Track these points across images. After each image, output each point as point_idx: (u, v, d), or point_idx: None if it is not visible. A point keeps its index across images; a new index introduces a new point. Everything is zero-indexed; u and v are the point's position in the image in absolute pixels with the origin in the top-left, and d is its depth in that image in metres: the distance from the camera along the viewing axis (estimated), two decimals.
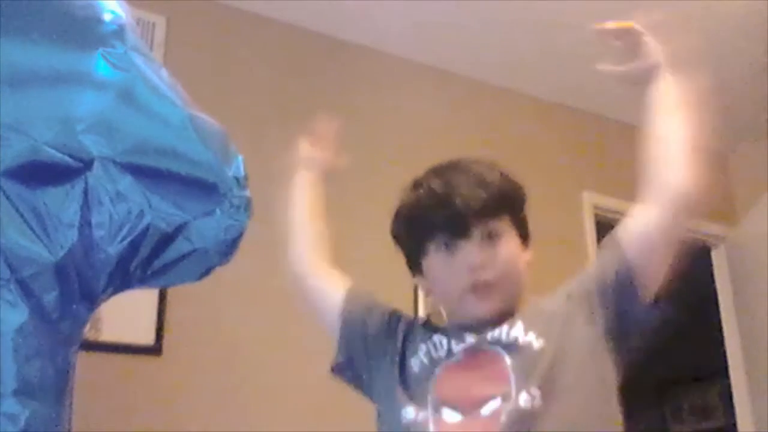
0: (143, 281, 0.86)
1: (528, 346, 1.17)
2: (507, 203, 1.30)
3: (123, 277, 0.84)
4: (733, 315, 3.86)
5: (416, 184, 1.33)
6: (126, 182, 0.80)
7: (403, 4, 3.08)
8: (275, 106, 3.02)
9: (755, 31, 3.25)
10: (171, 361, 2.54)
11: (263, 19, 3.10)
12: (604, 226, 3.63)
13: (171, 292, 2.57)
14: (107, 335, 2.40)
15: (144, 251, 0.83)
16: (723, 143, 4.09)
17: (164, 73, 0.87)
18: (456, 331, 1.27)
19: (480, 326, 1.24)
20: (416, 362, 1.27)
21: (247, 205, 0.90)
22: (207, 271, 0.91)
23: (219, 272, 2.96)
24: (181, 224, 0.84)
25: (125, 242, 0.81)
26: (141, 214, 0.81)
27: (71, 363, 0.80)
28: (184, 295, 2.59)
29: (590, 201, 3.58)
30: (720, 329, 3.88)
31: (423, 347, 1.28)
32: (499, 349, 1.19)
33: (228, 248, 0.90)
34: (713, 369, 4.34)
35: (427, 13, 3.13)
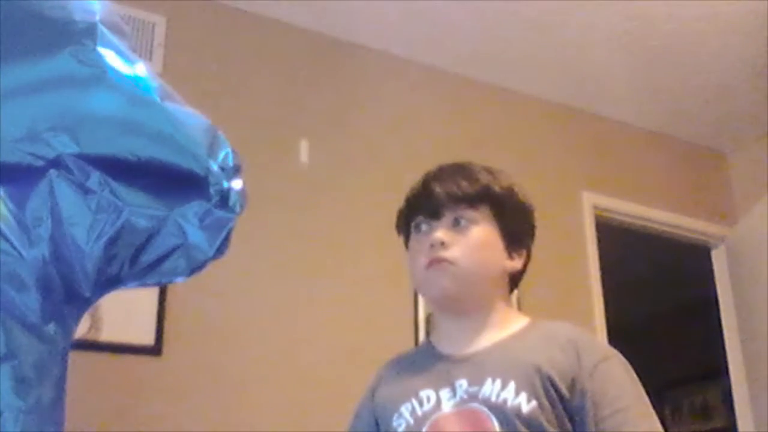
0: (132, 279, 0.84)
1: (516, 410, 1.14)
2: (489, 199, 1.31)
3: (108, 276, 0.81)
4: (733, 315, 3.85)
5: (426, 174, 1.38)
6: (95, 178, 0.78)
7: (402, 4, 3.08)
8: (275, 106, 3.02)
9: (755, 32, 3.26)
10: (171, 361, 2.54)
11: (263, 19, 3.10)
12: (604, 226, 3.65)
13: (171, 292, 2.57)
14: (107, 335, 2.40)
15: (125, 248, 0.80)
16: (723, 143, 4.10)
17: (143, 67, 0.84)
18: (443, 369, 1.25)
19: (467, 350, 1.24)
20: (400, 422, 1.25)
21: (237, 197, 0.86)
22: (199, 267, 0.88)
23: (219, 272, 2.96)
24: (162, 218, 0.81)
25: (102, 240, 0.78)
26: (116, 210, 0.79)
27: (62, 369, 0.78)
28: (184, 295, 2.59)
29: (590, 201, 3.58)
30: (720, 329, 3.88)
31: (407, 405, 1.25)
32: (487, 411, 1.16)
33: (217, 242, 0.86)
34: (713, 369, 4.34)
35: (427, 13, 3.13)
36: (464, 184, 1.30)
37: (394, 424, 1.25)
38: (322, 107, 3.13)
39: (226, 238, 0.87)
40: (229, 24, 3.06)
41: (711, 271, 4.00)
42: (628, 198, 3.71)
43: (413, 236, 1.35)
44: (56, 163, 0.76)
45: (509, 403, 1.15)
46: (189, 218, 0.83)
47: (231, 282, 2.73)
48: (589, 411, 1.15)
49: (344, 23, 3.18)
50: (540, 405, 1.14)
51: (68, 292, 0.78)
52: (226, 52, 3.01)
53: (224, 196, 0.84)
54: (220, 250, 0.87)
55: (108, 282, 0.81)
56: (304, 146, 3.00)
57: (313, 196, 2.98)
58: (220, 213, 0.84)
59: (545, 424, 1.13)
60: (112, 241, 0.79)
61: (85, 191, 0.77)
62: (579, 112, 3.75)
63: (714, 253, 4.01)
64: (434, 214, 1.30)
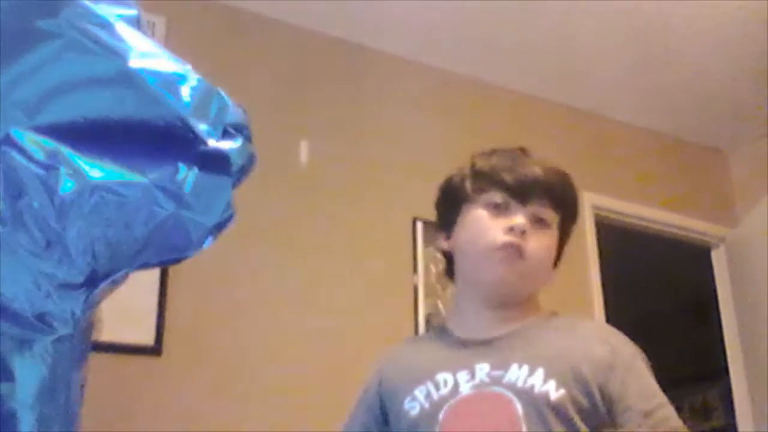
0: (127, 261, 0.74)
1: (545, 396, 1.12)
2: (568, 202, 1.30)
3: (98, 257, 0.72)
4: (733, 315, 3.85)
5: (492, 150, 1.32)
6: (51, 152, 0.69)
7: (403, 4, 3.08)
8: (275, 106, 3.02)
9: (755, 32, 3.25)
10: (171, 361, 2.54)
11: (263, 19, 3.10)
12: (604, 226, 3.64)
13: (171, 292, 2.57)
14: (107, 335, 2.38)
15: (103, 224, 0.71)
16: (723, 143, 4.10)
17: (119, 29, 0.76)
18: (462, 353, 1.22)
19: (488, 335, 1.22)
20: (413, 405, 1.21)
21: (233, 158, 0.75)
22: (201, 239, 0.75)
23: (219, 272, 2.94)
24: (137, 186, 0.71)
25: (76, 219, 0.70)
26: (82, 184, 0.70)
27: (62, 356, 0.74)
28: (184, 295, 2.59)
29: (590, 201, 3.57)
30: (720, 329, 3.88)
31: (422, 388, 1.21)
32: (510, 394, 1.14)
33: (213, 209, 0.75)
34: (713, 369, 4.34)
35: (427, 14, 3.13)
36: (555, 176, 1.27)
37: (407, 406, 1.21)
38: (322, 107, 3.13)
39: (226, 205, 0.76)
40: (229, 24, 3.05)
41: (711, 271, 4.00)
42: (628, 198, 3.71)
43: (485, 210, 1.25)
44: (6, 141, 0.68)
45: (536, 390, 1.13)
46: (172, 184, 0.72)
47: (231, 282, 2.72)
48: (635, 403, 1.14)
49: (344, 23, 3.18)
50: (569, 393, 1.12)
51: (54, 279, 0.71)
52: (226, 52, 3.01)
53: (213, 157, 0.74)
54: (222, 219, 0.76)
55: (101, 263, 0.73)
56: (304, 146, 3.00)
57: (313, 196, 2.97)
58: (210, 176, 0.74)
59: (573, 412, 1.12)
60: (90, 221, 0.70)
61: (45, 168, 0.69)
62: (579, 112, 3.75)
63: (714, 253, 4.01)
64: (522, 196, 1.24)
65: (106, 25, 0.75)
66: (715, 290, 3.95)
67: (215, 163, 0.74)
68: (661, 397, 1.17)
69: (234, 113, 0.78)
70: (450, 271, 1.34)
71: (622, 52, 3.37)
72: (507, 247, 1.20)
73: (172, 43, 2.91)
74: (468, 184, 1.29)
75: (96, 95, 0.72)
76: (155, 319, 2.53)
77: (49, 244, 0.70)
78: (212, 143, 0.74)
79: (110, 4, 0.79)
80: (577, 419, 1.12)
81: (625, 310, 3.27)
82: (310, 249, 2.90)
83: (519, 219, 1.22)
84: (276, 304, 2.79)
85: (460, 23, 3.19)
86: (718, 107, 3.78)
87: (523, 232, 1.21)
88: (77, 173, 0.70)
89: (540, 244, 1.23)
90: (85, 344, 0.81)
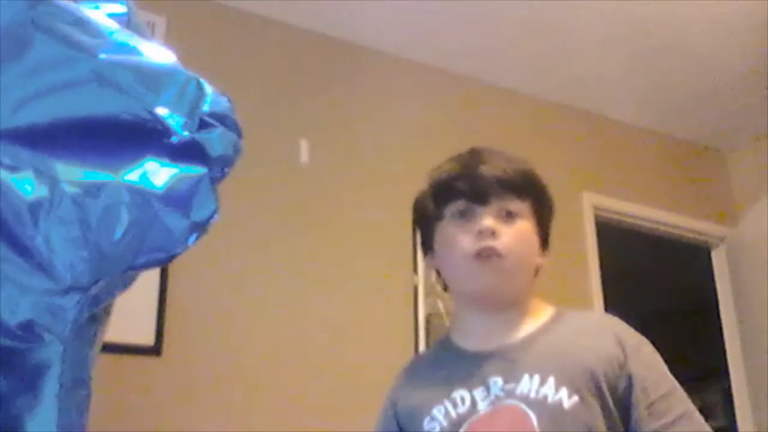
0: (116, 263, 0.70)
1: (558, 405, 1.11)
2: (532, 190, 1.28)
3: (80, 266, 0.69)
4: (733, 315, 3.85)
5: (447, 160, 1.31)
6: (18, 154, 0.66)
7: (402, 4, 3.08)
8: (275, 106, 3.02)
9: (755, 32, 3.25)
10: (171, 361, 2.54)
11: (263, 19, 3.10)
12: (604, 226, 3.64)
13: (171, 292, 2.57)
14: (107, 335, 2.40)
15: (80, 229, 0.67)
16: (723, 143, 4.10)
17: (96, 25, 0.73)
18: (474, 367, 1.20)
19: (495, 344, 1.21)
20: (433, 426, 1.20)
21: (211, 147, 0.71)
22: (183, 238, 0.71)
23: (219, 272, 2.94)
24: (113, 187, 0.68)
25: (51, 224, 0.66)
26: (54, 187, 0.66)
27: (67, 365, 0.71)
28: (184, 295, 2.59)
29: (590, 201, 3.58)
30: (720, 329, 3.88)
31: (440, 408, 1.20)
32: (524, 407, 1.13)
33: (191, 204, 0.70)
34: (713, 369, 4.34)
35: (427, 14, 3.13)
36: (512, 170, 1.25)
37: (426, 427, 1.20)
38: (322, 107, 3.13)
39: (207, 198, 0.72)
40: (229, 24, 3.05)
41: (711, 271, 4.00)
42: (628, 198, 3.70)
43: (451, 222, 1.25)
44: None
45: (550, 400, 1.12)
46: (144, 181, 0.69)
47: (231, 282, 2.72)
48: (638, 396, 1.14)
49: (344, 23, 3.18)
50: (582, 399, 1.12)
51: (37, 285, 0.68)
52: (226, 52, 3.01)
53: (186, 148, 0.70)
54: (204, 213, 0.72)
55: (82, 268, 0.69)
56: (304, 146, 3.00)
57: (313, 196, 2.97)
58: (185, 169, 0.70)
59: (588, 417, 1.11)
60: (61, 223, 0.67)
61: (13, 172, 0.66)
62: (579, 112, 3.75)
63: (714, 253, 4.01)
64: (481, 198, 1.22)
65: (80, 22, 0.73)
66: (715, 290, 3.95)
67: (189, 155, 0.71)
68: (665, 386, 1.17)
69: (215, 102, 0.74)
70: (445, 286, 1.34)
71: (621, 52, 3.37)
72: (482, 254, 1.20)
73: (172, 43, 2.91)
74: (430, 203, 1.30)
75: (63, 96, 0.69)
76: (155, 319, 2.53)
77: (24, 250, 0.67)
78: (186, 134, 0.70)
79: (96, 3, 0.78)
80: (593, 424, 1.12)
81: (625, 310, 3.26)
82: (309, 249, 2.90)
83: (485, 221, 1.21)
84: (276, 304, 2.79)
85: (458, 22, 3.19)
86: (717, 107, 3.78)
87: (492, 233, 1.20)
88: (47, 177, 0.67)
89: (514, 236, 1.22)
90: (87, 350, 0.77)
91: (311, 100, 3.11)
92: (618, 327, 1.24)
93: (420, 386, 1.28)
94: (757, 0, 3.09)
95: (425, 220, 1.31)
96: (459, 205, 1.24)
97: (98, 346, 0.81)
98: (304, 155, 2.99)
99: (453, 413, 1.18)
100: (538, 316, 1.27)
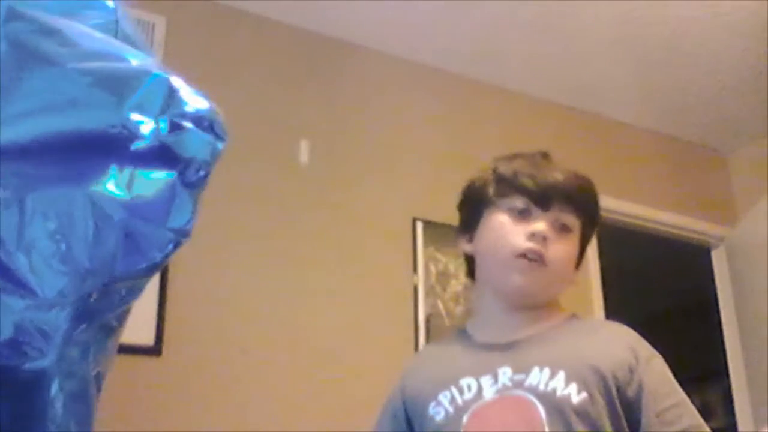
0: (98, 276, 0.68)
1: (567, 400, 1.12)
2: (589, 210, 1.30)
3: (60, 280, 0.66)
4: (733, 315, 3.85)
5: (515, 154, 1.32)
6: None
7: (402, 4, 3.08)
8: (275, 106, 3.02)
9: (755, 32, 3.26)
10: (171, 361, 2.54)
11: (263, 19, 3.10)
12: (604, 226, 3.64)
13: (171, 292, 2.57)
14: None
15: (54, 244, 0.65)
16: (723, 143, 4.10)
17: (69, 33, 0.70)
18: (485, 357, 1.22)
19: (510, 338, 1.22)
20: (438, 411, 1.21)
21: (182, 149, 0.68)
22: (161, 246, 0.68)
23: (219, 272, 2.94)
24: (81, 199, 0.65)
25: (26, 241, 0.64)
26: (23, 204, 0.64)
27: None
28: (184, 295, 2.59)
29: None
30: (720, 329, 3.88)
31: (446, 393, 1.21)
32: (533, 398, 1.14)
33: (163, 210, 0.67)
34: (713, 369, 4.34)
35: (427, 14, 3.13)
36: (579, 185, 1.27)
37: (431, 412, 1.21)
38: (322, 107, 3.13)
39: (181, 204, 0.68)
40: (229, 24, 3.06)
41: (711, 271, 4.00)
42: (628, 198, 3.70)
43: (505, 215, 1.25)
44: None
45: (559, 393, 1.13)
46: (112, 190, 0.66)
47: (230, 282, 2.73)
48: (648, 403, 1.15)
49: (344, 23, 3.18)
50: (591, 396, 1.12)
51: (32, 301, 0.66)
52: (226, 52, 3.01)
53: (152, 153, 0.66)
54: (180, 219, 0.68)
55: (63, 282, 0.67)
56: (304, 146, 3.00)
57: (313, 196, 2.98)
58: (152, 174, 0.66)
59: (595, 415, 1.12)
60: (36, 239, 0.65)
61: None
62: (579, 113, 3.75)
63: (714, 253, 4.01)
64: (544, 203, 1.24)
65: (51, 32, 0.70)
66: (715, 290, 3.95)
67: (157, 159, 0.67)
68: (675, 397, 1.18)
69: (189, 103, 0.71)
70: (471, 272, 1.34)
71: (622, 54, 3.37)
72: (528, 254, 1.21)
73: (172, 43, 2.92)
74: (490, 189, 1.29)
75: (20, 111, 0.65)
76: (155, 319, 2.54)
77: (3, 271, 0.64)
78: (152, 138, 0.67)
79: (81, 11, 0.76)
80: (599, 422, 1.12)
81: (625, 310, 3.27)
82: (309, 249, 2.90)
83: (540, 225, 1.22)
84: (276, 304, 2.79)
85: (460, 24, 3.19)
86: (717, 108, 3.79)
87: (544, 239, 1.21)
88: (15, 195, 0.64)
89: (561, 250, 1.23)
90: (91, 363, 0.75)
91: (311, 100, 3.11)
92: (632, 337, 1.25)
93: (428, 371, 1.30)
94: (758, 0, 3.09)
95: (477, 203, 1.31)
96: (520, 201, 1.25)
97: (109, 358, 0.79)
98: (304, 155, 2.99)
99: (459, 399, 1.19)
100: (555, 317, 1.29)
